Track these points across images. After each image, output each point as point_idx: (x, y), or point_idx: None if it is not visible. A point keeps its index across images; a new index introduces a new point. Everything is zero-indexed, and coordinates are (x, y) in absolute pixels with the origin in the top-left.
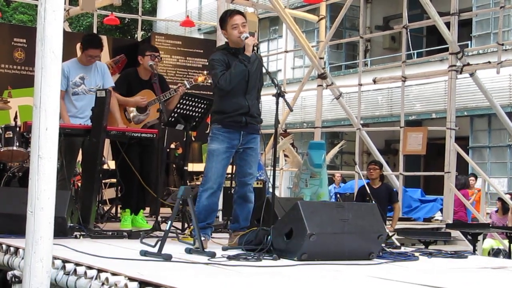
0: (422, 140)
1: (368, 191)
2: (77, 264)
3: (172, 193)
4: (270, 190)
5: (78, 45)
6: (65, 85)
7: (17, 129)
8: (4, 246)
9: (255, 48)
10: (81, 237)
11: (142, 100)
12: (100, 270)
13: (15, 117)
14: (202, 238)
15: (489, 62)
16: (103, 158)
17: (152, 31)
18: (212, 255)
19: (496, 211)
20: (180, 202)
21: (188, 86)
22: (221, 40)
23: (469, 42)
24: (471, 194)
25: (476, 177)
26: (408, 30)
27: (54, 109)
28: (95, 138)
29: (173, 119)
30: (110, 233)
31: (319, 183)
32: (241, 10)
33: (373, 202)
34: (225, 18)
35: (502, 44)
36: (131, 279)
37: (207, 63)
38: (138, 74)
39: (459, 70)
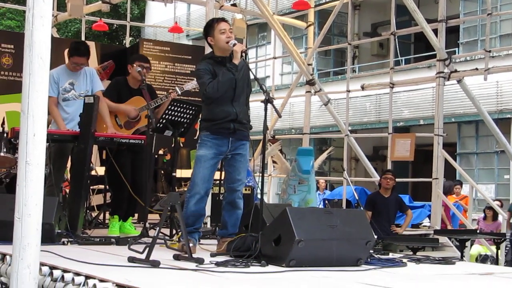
0: (410, 146)
1: (360, 198)
2: (64, 271)
3: (160, 199)
4: (259, 196)
5: (66, 52)
6: (57, 91)
7: (5, 135)
8: None
9: (244, 55)
10: (69, 243)
11: (134, 110)
12: (87, 277)
13: (3, 123)
14: (190, 244)
15: (477, 69)
16: (91, 164)
17: (140, 37)
18: (200, 261)
19: (484, 218)
20: (168, 208)
21: (179, 93)
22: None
23: (456, 49)
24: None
25: (461, 184)
26: (396, 36)
27: (42, 115)
28: (83, 144)
29: (161, 125)
30: (98, 239)
31: (308, 189)
32: (229, 17)
33: (361, 208)
34: (212, 25)
35: (490, 51)
36: (119, 286)
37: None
38: (128, 83)
39: (447, 77)
